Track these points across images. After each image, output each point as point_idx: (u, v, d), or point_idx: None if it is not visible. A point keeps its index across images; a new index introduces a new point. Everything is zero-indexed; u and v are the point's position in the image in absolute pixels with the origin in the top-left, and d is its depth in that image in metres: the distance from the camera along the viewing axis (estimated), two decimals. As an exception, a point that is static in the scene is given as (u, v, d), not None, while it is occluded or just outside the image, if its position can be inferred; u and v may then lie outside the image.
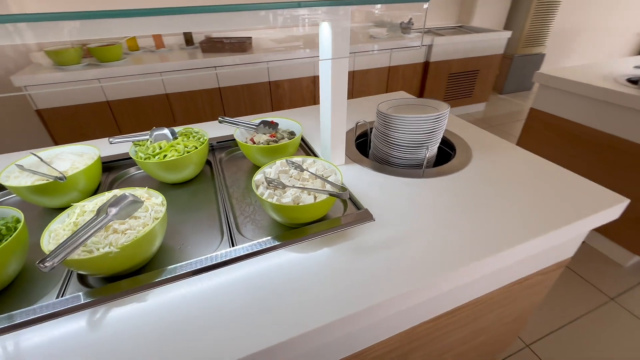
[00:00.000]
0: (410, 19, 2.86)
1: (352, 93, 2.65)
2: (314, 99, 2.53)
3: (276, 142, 0.88)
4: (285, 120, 0.97)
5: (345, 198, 0.62)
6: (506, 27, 3.60)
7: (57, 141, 2.04)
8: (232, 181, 0.87)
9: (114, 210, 0.55)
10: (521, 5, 3.39)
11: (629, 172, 1.44)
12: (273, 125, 0.93)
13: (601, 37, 4.60)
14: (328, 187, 0.67)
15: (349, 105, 1.29)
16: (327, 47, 0.71)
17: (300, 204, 0.64)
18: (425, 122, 0.83)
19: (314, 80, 2.45)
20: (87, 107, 1.99)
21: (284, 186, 0.67)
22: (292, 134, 0.94)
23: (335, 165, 0.72)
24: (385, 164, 0.94)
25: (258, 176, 0.71)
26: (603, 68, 1.72)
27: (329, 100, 0.78)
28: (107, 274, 0.56)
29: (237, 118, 0.99)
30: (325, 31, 0.70)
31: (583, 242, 1.74)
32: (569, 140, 1.64)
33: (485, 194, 0.76)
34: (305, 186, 0.69)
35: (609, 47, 4.82)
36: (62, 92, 1.90)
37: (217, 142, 1.00)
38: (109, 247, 0.51)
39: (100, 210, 0.56)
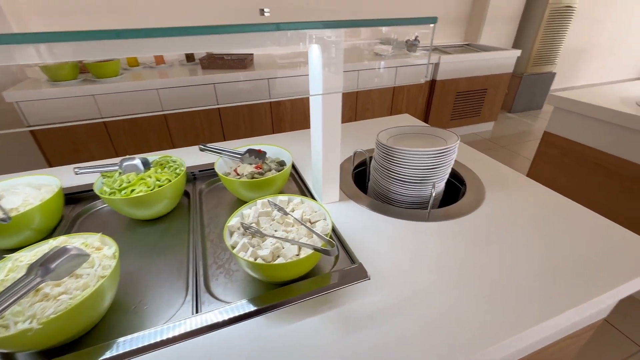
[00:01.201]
0: (417, 36, 2.80)
1: (356, 113, 2.57)
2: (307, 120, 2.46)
3: (262, 174, 0.78)
4: (275, 148, 0.87)
5: (332, 255, 0.51)
6: (515, 46, 3.52)
7: (50, 162, 1.97)
8: (210, 218, 0.76)
9: (45, 270, 0.45)
10: (531, 23, 3.33)
11: (657, 205, 1.31)
12: (260, 154, 0.83)
13: (612, 57, 4.50)
14: (314, 238, 0.56)
15: (349, 128, 1.19)
16: (318, 80, 0.62)
17: (281, 257, 0.53)
18: (430, 156, 0.72)
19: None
20: (82, 125, 1.93)
21: (262, 235, 0.57)
22: (281, 164, 0.84)
23: (325, 209, 0.61)
24: (385, 201, 0.83)
25: (233, 220, 0.60)
26: (620, 90, 1.61)
27: (320, 139, 0.68)
28: (36, 350, 0.45)
29: (222, 144, 0.90)
30: (315, 61, 0.61)
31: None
32: (590, 168, 1.51)
33: (501, 246, 0.64)
34: (288, 234, 0.58)
35: (620, 68, 4.71)
36: (56, 109, 1.84)
37: (200, 171, 0.90)
38: (30, 322, 0.41)
39: (31, 268, 0.46)
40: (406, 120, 1.27)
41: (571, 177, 1.60)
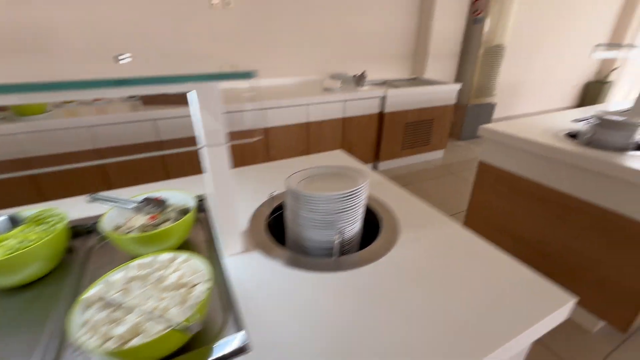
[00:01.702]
0: (364, 71, 2.93)
1: (309, 145, 2.58)
2: (267, 153, 2.42)
3: (156, 226, 0.70)
4: (180, 193, 0.80)
5: (190, 334, 0.43)
6: (458, 79, 3.80)
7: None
8: (92, 281, 0.66)
9: None
10: (469, 59, 3.62)
11: (584, 231, 1.36)
12: (158, 202, 0.76)
13: (545, 88, 4.99)
14: (175, 312, 0.49)
15: (274, 168, 1.15)
16: (200, 131, 0.57)
17: (141, 335, 0.45)
18: (335, 200, 0.69)
19: (267, 133, 2.36)
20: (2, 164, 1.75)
21: (121, 307, 0.49)
22: (185, 212, 0.77)
23: (208, 266, 0.54)
24: (300, 249, 0.78)
25: (93, 290, 0.52)
26: (546, 121, 1.74)
27: (212, 190, 0.62)
28: None
29: (117, 192, 0.82)
30: (194, 112, 0.57)
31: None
32: (522, 195, 1.58)
33: (405, 294, 0.60)
34: (160, 303, 0.50)
35: (551, 98, 5.22)
36: (-34, 149, 1.66)
37: (93, 223, 0.81)
38: None
39: None
40: (338, 157, 1.26)
41: (507, 204, 1.66)
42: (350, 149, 2.81)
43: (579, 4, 4.51)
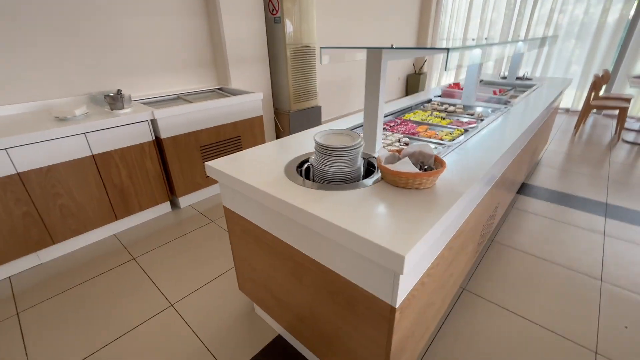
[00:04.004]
0: (119, 90, 2.25)
1: (35, 203, 1.76)
2: None
3: None
4: None
5: None
6: (273, 85, 3.49)
7: None
8: None
9: None
10: (279, 63, 3.34)
11: (318, 293, 1.04)
12: None
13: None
14: None
15: None
16: None
17: None
18: None
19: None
20: None
21: None
22: None
23: None
24: None
25: None
26: (290, 146, 1.42)
27: None
28: None
29: None
30: None
31: None
32: (263, 248, 1.20)
33: None
34: None
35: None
36: None
37: None
38: None
39: None
40: None
41: (259, 258, 1.27)
42: (122, 193, 2.11)
43: (385, 4, 4.83)
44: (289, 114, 3.48)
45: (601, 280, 1.71)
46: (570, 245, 1.98)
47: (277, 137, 3.71)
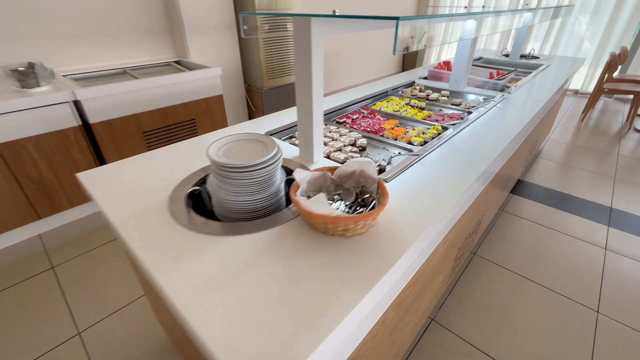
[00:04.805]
0: (31, 63, 1.86)
1: None
2: None
3: None
4: None
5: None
6: (244, 59, 3.07)
7: None
8: None
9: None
10: (248, 41, 2.89)
11: None
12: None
13: (362, 57, 4.76)
14: None
15: None
16: None
17: None
18: None
19: None
20: None
21: None
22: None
23: None
24: None
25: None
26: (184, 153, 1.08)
27: None
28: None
29: None
30: None
31: None
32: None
33: None
34: None
35: (372, 66, 5.07)
36: None
37: None
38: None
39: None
40: None
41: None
42: (43, 189, 1.79)
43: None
44: (262, 92, 3.08)
45: (598, 311, 1.43)
46: (564, 263, 1.69)
47: (250, 118, 3.34)
